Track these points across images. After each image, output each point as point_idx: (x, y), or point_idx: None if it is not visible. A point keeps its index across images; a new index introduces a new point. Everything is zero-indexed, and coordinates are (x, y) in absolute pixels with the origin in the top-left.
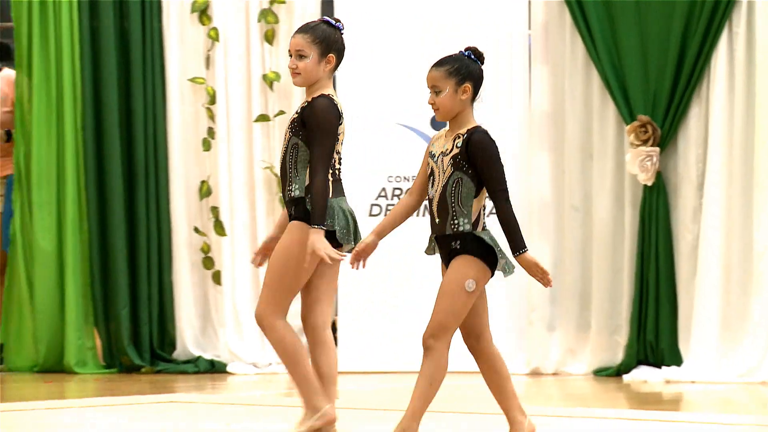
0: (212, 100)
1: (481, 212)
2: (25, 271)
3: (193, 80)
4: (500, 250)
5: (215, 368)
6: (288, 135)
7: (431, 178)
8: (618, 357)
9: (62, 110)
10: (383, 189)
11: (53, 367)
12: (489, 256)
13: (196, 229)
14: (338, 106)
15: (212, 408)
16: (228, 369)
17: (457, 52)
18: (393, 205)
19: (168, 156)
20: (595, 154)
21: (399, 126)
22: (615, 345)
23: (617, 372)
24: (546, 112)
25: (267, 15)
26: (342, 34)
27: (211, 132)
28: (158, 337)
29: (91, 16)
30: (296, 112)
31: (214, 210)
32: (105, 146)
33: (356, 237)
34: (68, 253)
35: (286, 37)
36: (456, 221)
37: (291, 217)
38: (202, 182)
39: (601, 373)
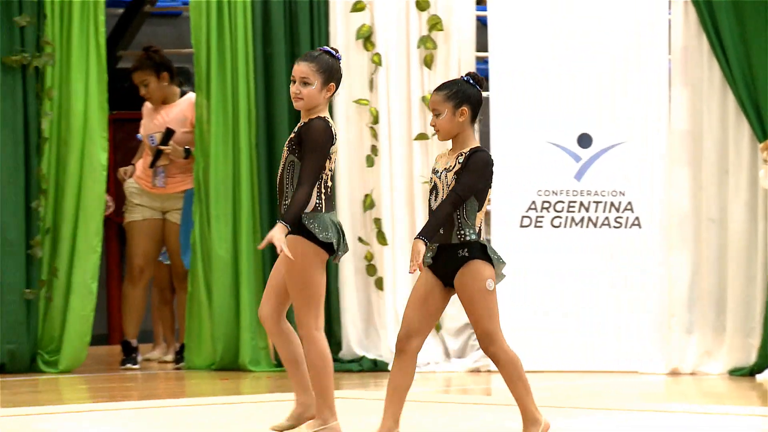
0: (375, 120)
1: (482, 225)
2: (204, 278)
3: (358, 102)
4: (499, 257)
5: (377, 367)
6: (286, 153)
7: (434, 191)
8: (751, 358)
9: (238, 129)
10: (533, 202)
11: (229, 365)
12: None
13: (360, 239)
14: (332, 128)
15: (375, 404)
16: (389, 368)
17: (458, 77)
18: (542, 217)
19: (335, 171)
20: (731, 169)
21: (548, 144)
22: (749, 347)
23: (751, 372)
24: (685, 131)
25: (426, 41)
26: (340, 64)
27: (374, 149)
28: (327, 336)
29: (264, 43)
30: (294, 132)
31: (377, 221)
32: (276, 162)
33: (344, 247)
34: (243, 260)
35: (444, 62)
36: (462, 232)
37: (290, 233)
38: (366, 195)
39: (735, 373)
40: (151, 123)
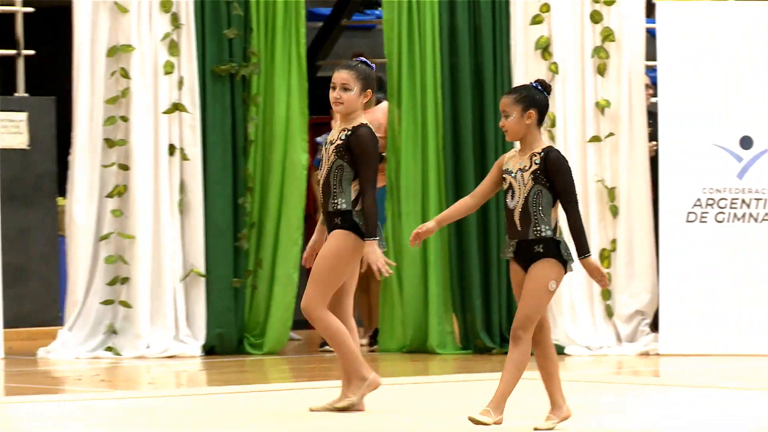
0: (552, 124)
1: (558, 220)
2: (395, 268)
3: None
4: (569, 254)
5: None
6: (333, 157)
7: (510, 191)
8: None
9: (426, 133)
10: (698, 199)
11: (418, 348)
12: (564, 259)
13: None
14: (374, 133)
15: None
16: (565, 351)
17: (528, 83)
18: (706, 213)
19: None
20: None
21: (713, 145)
22: None
23: None
24: None
25: (599, 51)
26: (375, 72)
27: None
28: (507, 323)
29: (451, 53)
30: (340, 138)
31: None
32: (462, 164)
33: (383, 241)
34: (431, 252)
35: (616, 70)
36: (538, 228)
37: (336, 226)
38: None
39: None
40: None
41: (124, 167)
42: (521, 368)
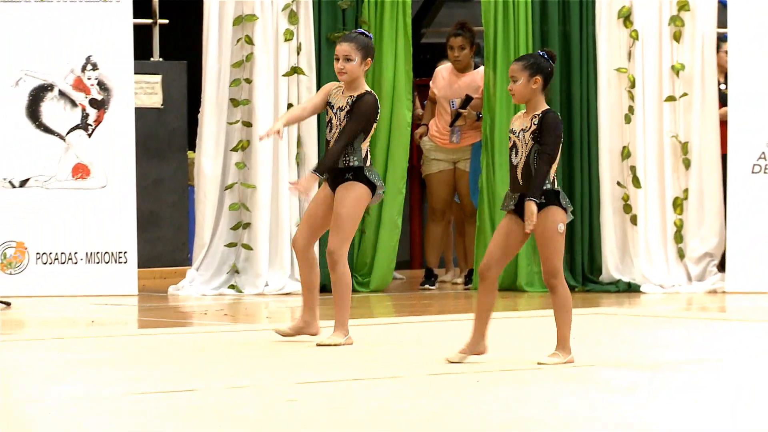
0: (632, 85)
1: (555, 175)
2: (488, 214)
3: (618, 70)
4: (568, 202)
5: (631, 288)
6: (345, 122)
7: (514, 149)
8: None
9: None
10: (762, 152)
11: (508, 286)
12: (564, 206)
13: (618, 183)
14: (378, 102)
15: (629, 319)
16: (641, 289)
17: (536, 52)
18: None
19: (598, 127)
20: None
21: None
22: None
23: None
24: None
25: (675, 20)
26: (372, 42)
27: (630, 109)
28: (588, 264)
29: (542, 21)
30: (348, 104)
31: (632, 169)
32: None
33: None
34: None
35: (690, 37)
36: None
37: (347, 179)
38: (624, 147)
39: None
40: (450, 89)
41: (248, 124)
42: (568, 308)
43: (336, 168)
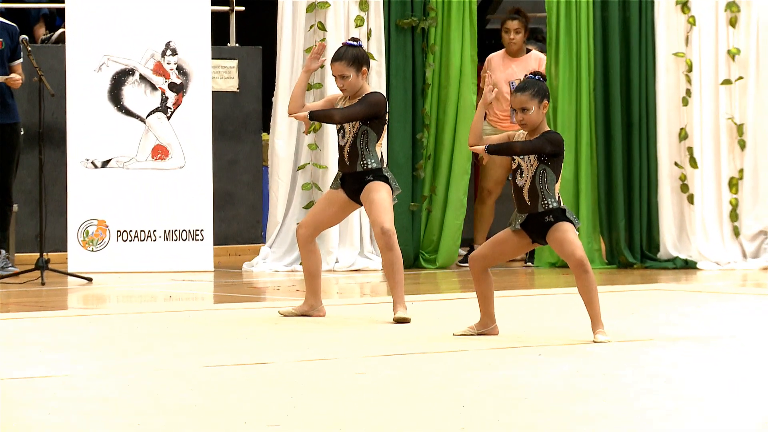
0: (689, 69)
1: (560, 193)
2: None
3: (676, 54)
4: (576, 217)
5: (688, 265)
6: (357, 124)
7: (518, 171)
8: None
9: (579, 77)
10: None
11: (565, 263)
12: (571, 221)
13: (676, 164)
14: (386, 101)
15: (686, 294)
16: (698, 266)
17: (529, 77)
18: None
19: (656, 110)
20: None
21: None
22: None
23: None
24: None
25: (732, 6)
26: (363, 48)
27: (688, 92)
28: (647, 241)
29: (602, 8)
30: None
31: (689, 149)
32: (610, 103)
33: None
34: (582, 180)
35: (746, 23)
36: (546, 202)
37: (369, 180)
38: (681, 129)
39: None
40: (504, 72)
41: None
42: (596, 290)
43: (354, 172)
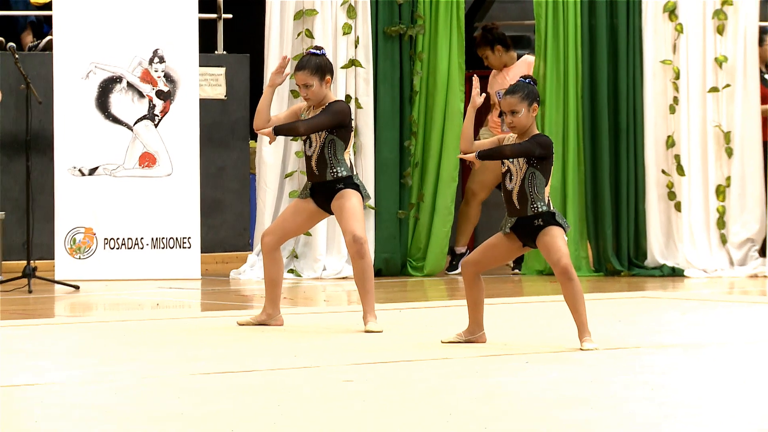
0: (677, 77)
1: (549, 197)
2: None
3: (663, 62)
4: (565, 221)
5: (675, 273)
6: (324, 134)
7: (508, 174)
8: None
9: (567, 84)
10: None
11: (552, 271)
12: (561, 224)
13: (663, 171)
14: (350, 109)
15: (673, 302)
16: (685, 273)
17: (519, 80)
18: None
19: (644, 117)
20: None
21: None
22: None
23: None
24: None
25: (719, 14)
26: (326, 56)
27: (675, 99)
28: (634, 249)
29: (590, 15)
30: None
31: (677, 157)
32: (597, 110)
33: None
34: (569, 187)
35: (733, 30)
36: (535, 205)
37: (340, 189)
38: (668, 137)
39: None
40: (496, 82)
41: None
42: (582, 298)
43: (324, 181)
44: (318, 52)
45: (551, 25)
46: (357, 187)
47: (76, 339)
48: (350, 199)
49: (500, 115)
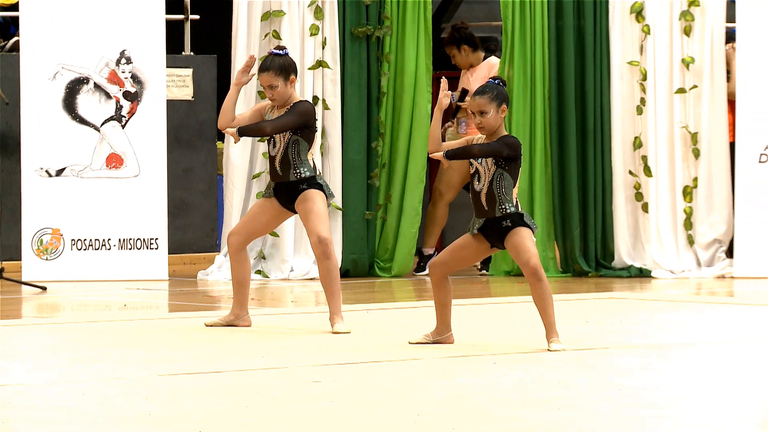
0: (644, 78)
1: (517, 198)
2: None
3: (630, 63)
4: (533, 221)
5: (642, 274)
6: (288, 134)
7: (476, 175)
8: None
9: (534, 85)
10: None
11: (520, 272)
12: (529, 225)
13: (630, 172)
14: (314, 109)
15: (641, 303)
16: (652, 274)
17: (489, 81)
18: None
19: (611, 118)
20: None
21: None
22: None
23: None
24: None
25: (686, 15)
26: (289, 56)
27: (642, 101)
28: (601, 250)
29: (557, 16)
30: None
31: (644, 158)
32: (564, 111)
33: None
34: (536, 188)
35: (700, 31)
36: (503, 206)
37: (304, 189)
38: (635, 138)
39: None
40: (463, 82)
41: None
42: (550, 298)
43: (288, 182)
44: (280, 52)
45: (518, 26)
46: (320, 187)
47: (44, 340)
48: (314, 200)
49: (454, 115)
